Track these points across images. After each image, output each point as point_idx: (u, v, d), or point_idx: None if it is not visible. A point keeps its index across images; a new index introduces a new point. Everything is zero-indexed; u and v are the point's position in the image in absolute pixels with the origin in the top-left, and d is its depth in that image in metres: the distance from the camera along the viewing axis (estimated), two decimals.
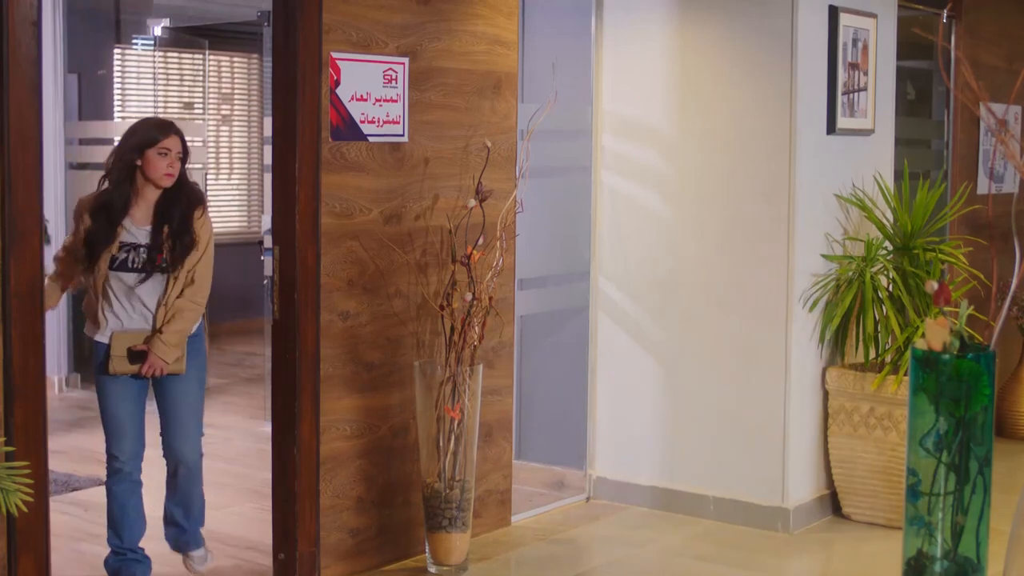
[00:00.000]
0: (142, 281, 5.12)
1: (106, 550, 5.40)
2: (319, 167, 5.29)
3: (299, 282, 5.30)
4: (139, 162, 5.11)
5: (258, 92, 12.68)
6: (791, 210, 6.17)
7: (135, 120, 5.56)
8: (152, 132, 5.16)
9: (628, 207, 6.69)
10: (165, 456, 5.38)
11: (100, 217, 5.11)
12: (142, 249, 5.12)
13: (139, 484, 5.35)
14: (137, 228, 5.14)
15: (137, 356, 5.14)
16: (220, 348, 11.11)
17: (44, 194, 4.49)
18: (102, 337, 5.18)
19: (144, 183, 5.14)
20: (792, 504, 6.27)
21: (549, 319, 7.01)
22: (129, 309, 5.16)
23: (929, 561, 3.66)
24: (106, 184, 5.17)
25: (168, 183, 5.14)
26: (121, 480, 5.30)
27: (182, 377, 5.24)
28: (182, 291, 5.16)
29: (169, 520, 5.49)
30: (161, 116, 5.41)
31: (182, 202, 5.18)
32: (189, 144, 10.22)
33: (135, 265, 5.12)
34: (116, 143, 5.25)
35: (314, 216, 5.30)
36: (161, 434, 5.36)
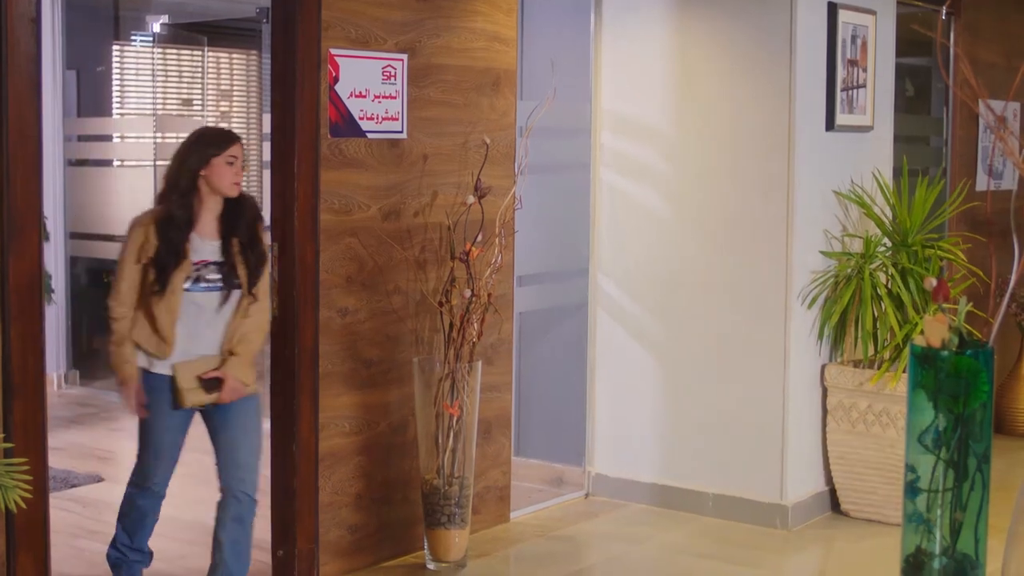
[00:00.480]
0: (223, 301, 4.81)
1: (103, 546, 5.38)
2: (318, 164, 5.29)
3: (298, 279, 5.30)
4: (204, 172, 4.77)
5: (257, 89, 12.65)
6: (790, 207, 6.17)
7: (198, 128, 5.08)
8: (218, 140, 4.83)
9: (627, 204, 6.69)
10: (229, 487, 4.90)
11: (167, 234, 4.74)
12: (213, 266, 4.80)
13: (164, 497, 5.13)
14: (204, 243, 4.80)
15: (210, 384, 4.79)
16: None
17: (43, 190, 4.49)
18: (162, 368, 4.80)
19: (209, 194, 4.79)
20: (791, 501, 6.27)
21: (548, 316, 7.01)
22: (196, 334, 4.80)
23: (928, 558, 3.67)
24: (172, 197, 4.79)
25: (235, 193, 4.82)
26: (150, 496, 5.07)
27: (250, 398, 4.90)
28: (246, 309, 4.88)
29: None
30: (219, 125, 5.04)
31: (246, 213, 4.87)
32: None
33: (209, 284, 4.80)
34: (175, 154, 4.85)
35: (313, 213, 5.30)
36: (225, 461, 4.92)
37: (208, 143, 4.81)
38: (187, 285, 4.75)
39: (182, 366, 4.77)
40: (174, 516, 6.39)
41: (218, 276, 4.80)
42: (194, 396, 4.78)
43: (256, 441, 4.96)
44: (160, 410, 4.84)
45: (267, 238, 5.00)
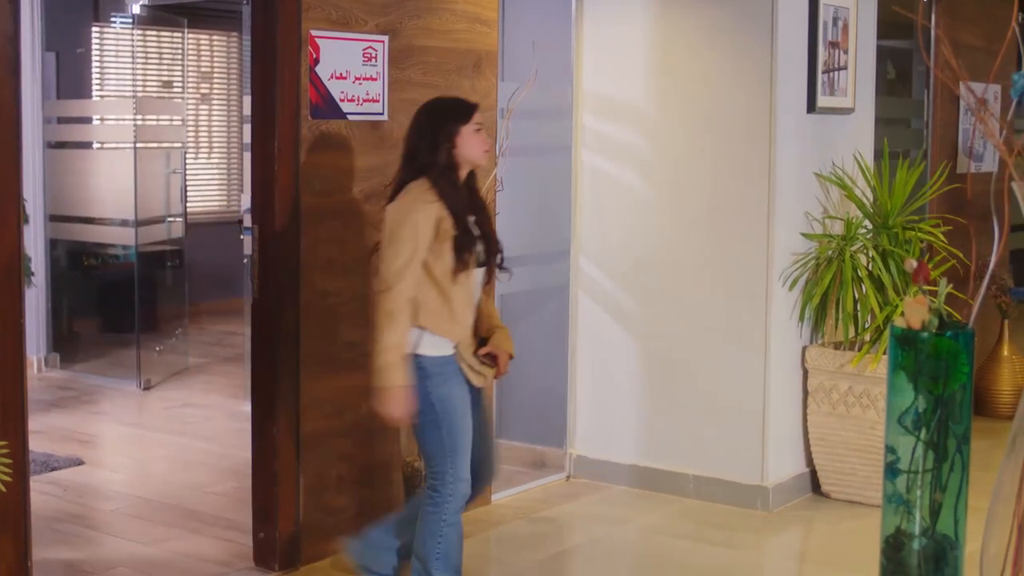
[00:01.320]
0: (488, 279, 4.66)
1: (84, 528, 5.36)
2: (298, 146, 5.28)
3: (279, 261, 5.29)
4: (455, 144, 4.52)
5: (237, 70, 12.63)
6: (771, 189, 6.18)
7: (419, 104, 4.78)
8: (463, 108, 4.59)
9: (608, 186, 6.69)
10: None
11: (456, 212, 4.48)
12: (479, 242, 4.57)
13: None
14: (470, 219, 4.57)
15: (485, 360, 4.65)
16: (200, 327, 11.10)
17: (23, 172, 4.47)
18: (447, 350, 4.55)
19: (463, 166, 4.55)
20: (771, 482, 6.29)
21: (529, 298, 7.01)
22: (470, 313, 4.62)
23: (907, 538, 3.68)
24: (438, 173, 4.50)
25: (485, 161, 4.64)
26: (463, 505, 4.68)
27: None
28: None
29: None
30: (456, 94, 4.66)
31: (477, 183, 4.68)
32: (169, 123, 10.16)
33: (481, 262, 4.60)
34: (418, 130, 4.61)
35: (294, 195, 5.28)
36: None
37: (454, 111, 4.59)
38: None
39: (461, 346, 4.58)
40: (154, 499, 6.39)
41: (484, 252, 4.61)
42: (477, 377, 4.62)
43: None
44: (456, 392, 4.57)
45: None
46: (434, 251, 4.46)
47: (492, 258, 4.65)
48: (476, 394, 4.69)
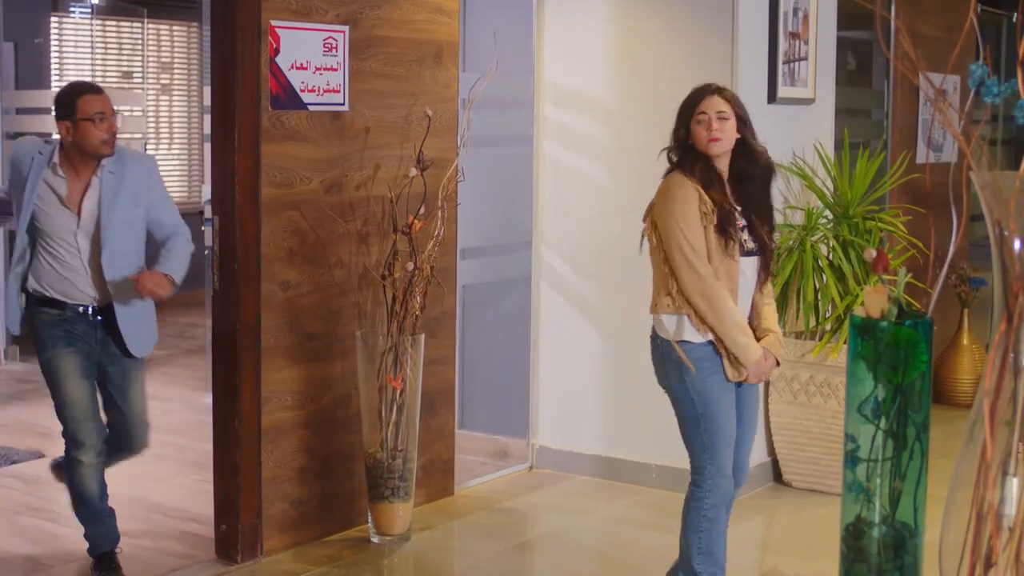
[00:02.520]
0: (759, 268, 4.53)
1: (44, 522, 5.33)
2: (259, 136, 5.25)
3: (239, 252, 5.27)
4: (690, 133, 4.52)
5: (198, 61, 12.57)
6: None
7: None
8: (690, 98, 4.58)
9: (569, 177, 6.69)
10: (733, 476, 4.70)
11: (715, 198, 4.42)
12: (745, 230, 4.48)
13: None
14: (734, 204, 4.49)
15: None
16: (161, 319, 10.97)
17: None
18: (708, 335, 4.46)
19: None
20: None
21: (491, 289, 7.01)
22: (739, 304, 4.48)
23: (867, 526, 3.69)
24: (684, 160, 4.52)
25: (716, 149, 4.49)
26: (725, 501, 4.67)
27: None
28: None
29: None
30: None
31: (756, 168, 4.57)
32: (127, 114, 10.10)
33: (748, 250, 4.48)
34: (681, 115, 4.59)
35: (254, 186, 5.27)
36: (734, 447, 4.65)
37: (685, 104, 4.60)
38: (742, 252, 4.48)
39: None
40: (116, 492, 6.36)
41: (753, 242, 4.50)
42: (732, 370, 4.49)
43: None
44: (716, 386, 4.50)
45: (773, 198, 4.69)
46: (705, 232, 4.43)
47: (766, 252, 4.56)
48: (747, 390, 4.63)
